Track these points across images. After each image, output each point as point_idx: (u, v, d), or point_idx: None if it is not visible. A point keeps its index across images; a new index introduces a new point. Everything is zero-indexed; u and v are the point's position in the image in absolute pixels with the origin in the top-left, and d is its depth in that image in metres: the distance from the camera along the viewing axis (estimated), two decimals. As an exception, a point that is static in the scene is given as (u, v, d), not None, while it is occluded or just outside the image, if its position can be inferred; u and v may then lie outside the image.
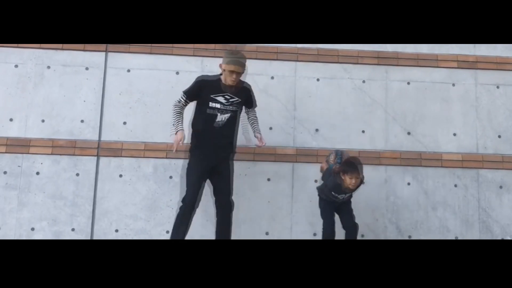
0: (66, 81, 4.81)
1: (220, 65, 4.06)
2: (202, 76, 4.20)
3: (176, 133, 4.06)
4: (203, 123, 4.09)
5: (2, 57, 4.79)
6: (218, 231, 4.13)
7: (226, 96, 4.08)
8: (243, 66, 4.03)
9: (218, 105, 4.06)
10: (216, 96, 4.06)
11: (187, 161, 4.19)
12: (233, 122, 4.14)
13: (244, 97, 4.19)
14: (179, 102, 4.12)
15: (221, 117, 4.08)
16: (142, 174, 4.71)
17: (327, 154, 4.41)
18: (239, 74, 4.04)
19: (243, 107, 4.28)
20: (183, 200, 4.03)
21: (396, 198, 4.84)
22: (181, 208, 4.03)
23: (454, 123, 5.00)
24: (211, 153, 4.07)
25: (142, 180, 4.70)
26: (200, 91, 4.08)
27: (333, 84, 4.99)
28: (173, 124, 4.10)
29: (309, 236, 4.70)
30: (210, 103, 4.05)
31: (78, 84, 4.81)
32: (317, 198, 4.32)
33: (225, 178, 4.14)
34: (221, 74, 4.10)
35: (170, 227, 4.59)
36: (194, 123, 4.17)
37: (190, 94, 4.12)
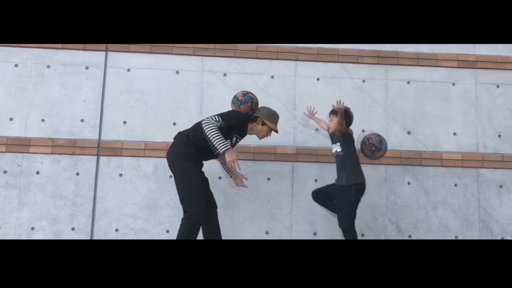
0: (66, 81, 4.81)
1: (261, 119, 4.02)
2: (243, 114, 4.03)
3: (228, 153, 3.76)
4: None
5: (2, 56, 4.79)
6: (214, 231, 4.08)
7: (238, 139, 4.11)
8: None
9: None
10: (236, 136, 4.05)
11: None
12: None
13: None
14: (216, 121, 3.82)
15: None
16: (142, 173, 4.71)
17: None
18: None
19: None
20: (195, 210, 3.76)
21: (396, 198, 4.84)
22: (193, 219, 3.76)
23: (454, 123, 5.00)
24: (201, 165, 4.07)
25: (142, 180, 4.70)
26: (238, 126, 3.99)
27: (333, 83, 4.99)
28: (219, 142, 3.75)
29: (309, 236, 4.70)
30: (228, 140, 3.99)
31: (78, 83, 4.81)
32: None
33: (207, 182, 4.16)
34: (250, 120, 4.07)
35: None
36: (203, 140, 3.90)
37: (231, 125, 3.92)
